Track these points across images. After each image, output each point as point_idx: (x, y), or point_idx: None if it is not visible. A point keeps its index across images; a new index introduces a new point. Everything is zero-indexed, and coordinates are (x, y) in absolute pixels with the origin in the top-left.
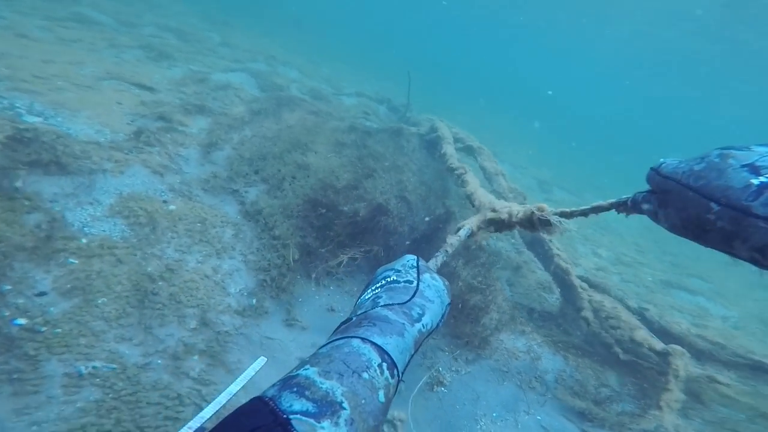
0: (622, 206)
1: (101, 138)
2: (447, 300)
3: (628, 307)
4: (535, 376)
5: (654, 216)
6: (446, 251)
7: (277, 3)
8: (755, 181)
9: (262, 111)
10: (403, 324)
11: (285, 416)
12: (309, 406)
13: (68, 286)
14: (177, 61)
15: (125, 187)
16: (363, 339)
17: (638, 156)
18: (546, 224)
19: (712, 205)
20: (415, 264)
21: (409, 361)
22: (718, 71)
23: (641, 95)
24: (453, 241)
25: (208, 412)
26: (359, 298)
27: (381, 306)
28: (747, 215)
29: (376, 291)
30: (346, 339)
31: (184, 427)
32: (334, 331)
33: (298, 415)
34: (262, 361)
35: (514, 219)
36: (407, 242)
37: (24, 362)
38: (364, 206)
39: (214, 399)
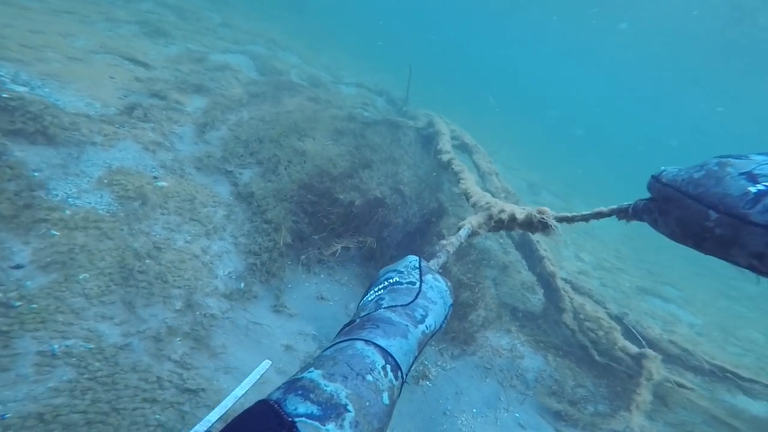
0: (623, 213)
1: (91, 111)
2: (450, 301)
3: (607, 312)
4: (516, 374)
5: (654, 223)
6: (447, 251)
7: None
8: (753, 189)
9: (260, 94)
10: (407, 326)
11: (290, 419)
12: (314, 408)
13: (48, 259)
14: (175, 38)
15: (115, 161)
16: (367, 341)
17: (636, 165)
18: (544, 227)
19: (711, 212)
20: (417, 265)
21: (413, 363)
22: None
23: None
24: (454, 240)
25: (214, 415)
26: (362, 299)
27: (384, 308)
28: (745, 222)
29: (379, 292)
30: (349, 341)
31: (191, 431)
32: (338, 333)
33: (303, 418)
34: (266, 364)
35: (516, 220)
36: (400, 235)
37: None
38: (359, 196)
39: (220, 403)
